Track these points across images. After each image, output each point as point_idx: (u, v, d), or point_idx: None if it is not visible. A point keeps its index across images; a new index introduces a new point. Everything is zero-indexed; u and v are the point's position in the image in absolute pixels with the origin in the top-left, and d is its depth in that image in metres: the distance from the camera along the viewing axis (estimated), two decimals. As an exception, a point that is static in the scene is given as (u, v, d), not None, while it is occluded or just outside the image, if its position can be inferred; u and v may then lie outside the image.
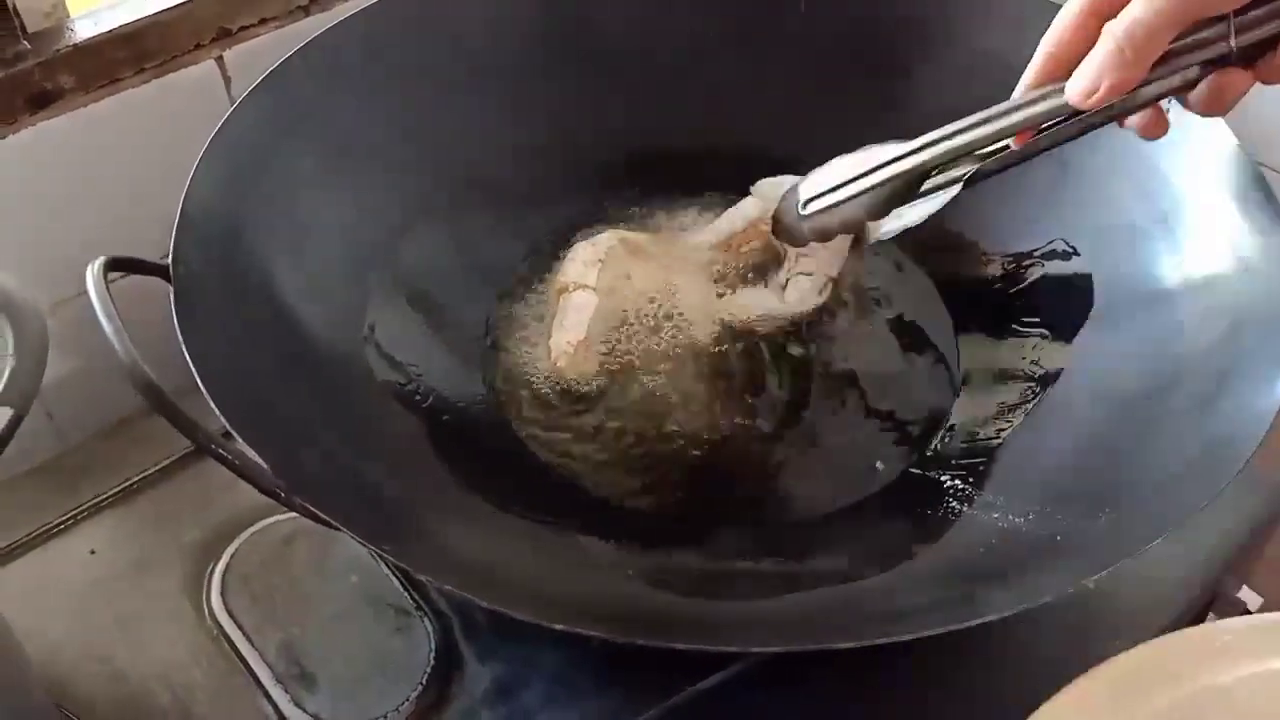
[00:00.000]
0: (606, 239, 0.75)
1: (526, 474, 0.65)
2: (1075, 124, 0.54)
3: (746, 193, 0.79)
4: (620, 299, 0.73)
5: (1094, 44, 0.48)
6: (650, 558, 0.60)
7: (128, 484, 0.70)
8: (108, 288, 0.51)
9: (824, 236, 0.63)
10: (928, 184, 0.58)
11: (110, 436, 0.74)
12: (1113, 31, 0.46)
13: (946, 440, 0.66)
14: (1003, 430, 0.65)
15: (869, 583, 0.58)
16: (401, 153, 0.71)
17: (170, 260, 0.55)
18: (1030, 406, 0.66)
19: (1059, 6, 0.71)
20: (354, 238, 0.67)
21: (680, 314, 0.73)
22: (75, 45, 0.67)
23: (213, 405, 0.49)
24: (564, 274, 0.73)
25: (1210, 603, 0.73)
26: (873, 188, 0.58)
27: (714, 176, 0.79)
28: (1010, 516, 0.59)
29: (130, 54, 0.69)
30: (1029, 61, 0.52)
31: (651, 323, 0.72)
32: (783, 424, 0.67)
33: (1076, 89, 0.48)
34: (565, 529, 0.61)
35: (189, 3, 0.71)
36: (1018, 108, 0.53)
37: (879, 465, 0.66)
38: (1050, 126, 0.55)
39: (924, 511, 0.62)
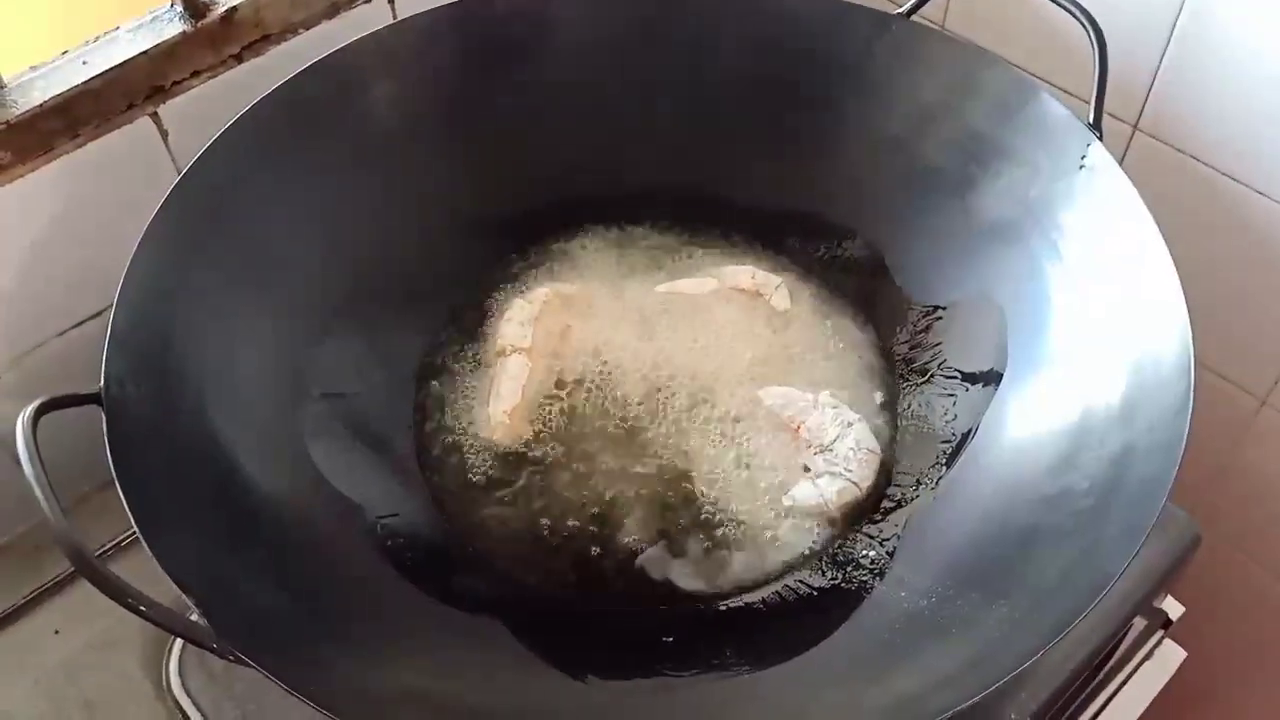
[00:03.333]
0: (541, 294, 0.76)
1: (471, 569, 0.66)
2: None
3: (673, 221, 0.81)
4: (557, 357, 0.75)
5: None
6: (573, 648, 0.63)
7: (88, 558, 0.72)
8: (35, 439, 0.51)
9: None
10: None
11: (69, 513, 0.76)
12: None
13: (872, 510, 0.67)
14: (917, 498, 0.67)
15: (785, 667, 0.61)
16: (321, 240, 0.71)
17: (102, 384, 0.56)
18: (942, 472, 0.67)
19: (997, 57, 0.71)
20: (277, 341, 0.68)
21: (619, 370, 0.74)
22: (9, 122, 0.67)
23: (153, 556, 0.51)
24: (501, 336, 0.75)
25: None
26: None
27: (647, 215, 0.81)
28: (915, 598, 0.61)
29: (64, 123, 0.70)
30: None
31: (589, 381, 0.74)
32: (708, 499, 0.69)
33: None
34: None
35: (120, 66, 0.71)
36: None
37: (813, 538, 0.67)
38: None
39: (841, 588, 0.64)
